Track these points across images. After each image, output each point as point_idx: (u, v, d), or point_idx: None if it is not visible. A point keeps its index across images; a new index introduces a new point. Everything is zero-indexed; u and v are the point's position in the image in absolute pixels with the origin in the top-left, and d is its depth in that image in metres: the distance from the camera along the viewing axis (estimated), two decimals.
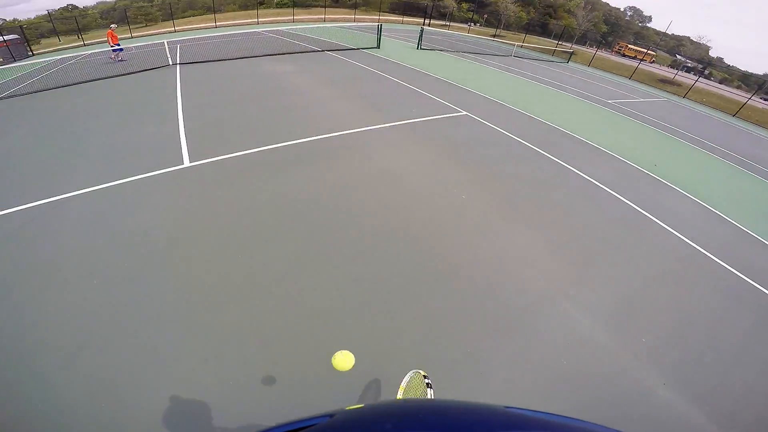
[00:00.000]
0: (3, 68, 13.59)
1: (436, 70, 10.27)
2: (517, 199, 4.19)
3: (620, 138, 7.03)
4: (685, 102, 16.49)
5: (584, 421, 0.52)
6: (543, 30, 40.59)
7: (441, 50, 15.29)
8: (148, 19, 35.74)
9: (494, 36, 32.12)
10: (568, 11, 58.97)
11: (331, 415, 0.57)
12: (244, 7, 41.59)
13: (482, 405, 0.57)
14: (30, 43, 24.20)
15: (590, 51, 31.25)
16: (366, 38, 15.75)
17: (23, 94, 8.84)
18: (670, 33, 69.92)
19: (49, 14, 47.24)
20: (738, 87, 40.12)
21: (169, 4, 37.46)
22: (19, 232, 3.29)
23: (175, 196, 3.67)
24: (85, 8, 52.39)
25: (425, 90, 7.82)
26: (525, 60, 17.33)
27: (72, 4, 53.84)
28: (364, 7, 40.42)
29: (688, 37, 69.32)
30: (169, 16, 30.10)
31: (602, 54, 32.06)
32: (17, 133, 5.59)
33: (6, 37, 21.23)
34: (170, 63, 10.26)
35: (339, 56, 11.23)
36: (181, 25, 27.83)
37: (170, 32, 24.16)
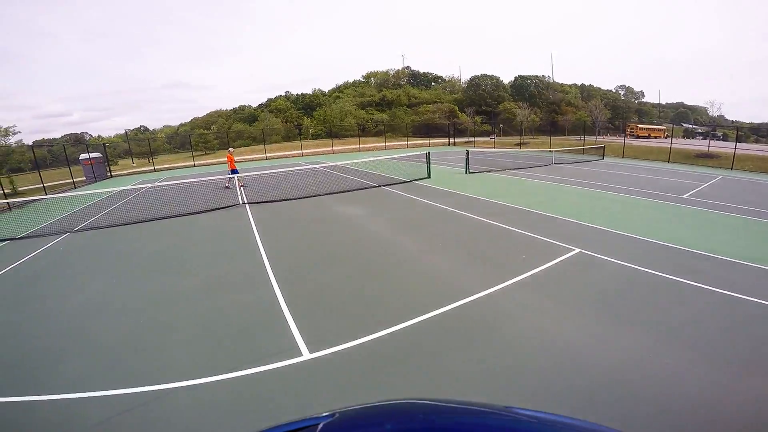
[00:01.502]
0: (85, 193, 14.83)
1: (504, 196, 10.36)
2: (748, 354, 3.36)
3: (745, 243, 6.42)
4: (737, 174, 16.35)
5: (584, 421, 0.51)
6: (554, 128, 43.59)
7: (488, 171, 16.03)
8: (207, 147, 41.01)
9: (520, 145, 34.53)
10: (570, 104, 64.41)
11: (332, 415, 0.58)
12: (287, 137, 47.72)
13: (482, 405, 0.57)
14: (110, 163, 27.47)
15: (611, 141, 32.80)
16: (412, 167, 16.82)
17: (101, 227, 9.21)
18: (664, 102, 75.05)
19: (126, 134, 55.31)
20: (756, 141, 40.49)
21: (225, 132, 43.60)
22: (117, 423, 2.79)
23: (306, 408, 2.90)
24: (155, 131, 61.25)
25: (513, 225, 7.55)
26: (566, 165, 18.00)
27: (144, 125, 63.03)
28: (389, 134, 45.68)
29: (682, 102, 73.84)
30: (225, 145, 34.65)
31: (618, 140, 33.38)
32: (97, 284, 5.36)
33: (91, 155, 24.11)
34: (240, 202, 10.90)
35: (397, 191, 11.70)
36: (235, 154, 31.56)
37: (225, 162, 27.26)
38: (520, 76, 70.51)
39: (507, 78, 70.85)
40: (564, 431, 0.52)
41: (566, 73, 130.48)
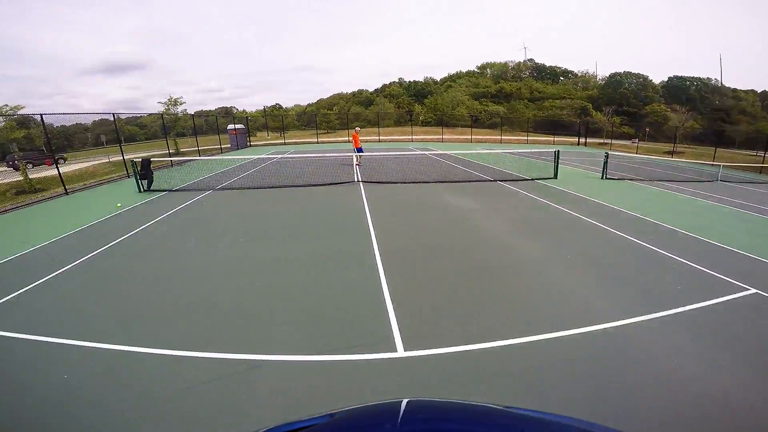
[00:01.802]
0: (229, 157, 17.47)
1: (651, 212, 8.32)
2: None
3: None
4: None
5: (584, 421, 0.51)
6: (719, 139, 33.88)
7: (631, 179, 13.33)
8: (329, 126, 44.60)
9: (671, 153, 28.55)
10: (744, 113, 49.78)
11: (331, 415, 0.58)
12: (398, 122, 48.74)
13: (482, 405, 0.57)
14: (250, 134, 32.25)
15: None
16: (534, 165, 15.15)
17: (237, 188, 10.53)
18: None
19: (264, 110, 64.19)
20: None
21: (346, 114, 46.67)
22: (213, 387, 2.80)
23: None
24: (287, 109, 69.28)
25: (663, 247, 5.99)
26: (736, 185, 13.92)
27: (278, 103, 71.82)
28: (505, 127, 42.33)
29: None
30: (345, 125, 37.11)
31: None
32: (226, 241, 5.96)
33: (236, 126, 28.45)
34: (355, 179, 11.28)
35: (516, 189, 10.53)
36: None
37: (345, 141, 29.12)
38: (677, 77, 58.14)
39: (657, 78, 59.27)
40: (564, 431, 0.50)
41: (740, 77, 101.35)
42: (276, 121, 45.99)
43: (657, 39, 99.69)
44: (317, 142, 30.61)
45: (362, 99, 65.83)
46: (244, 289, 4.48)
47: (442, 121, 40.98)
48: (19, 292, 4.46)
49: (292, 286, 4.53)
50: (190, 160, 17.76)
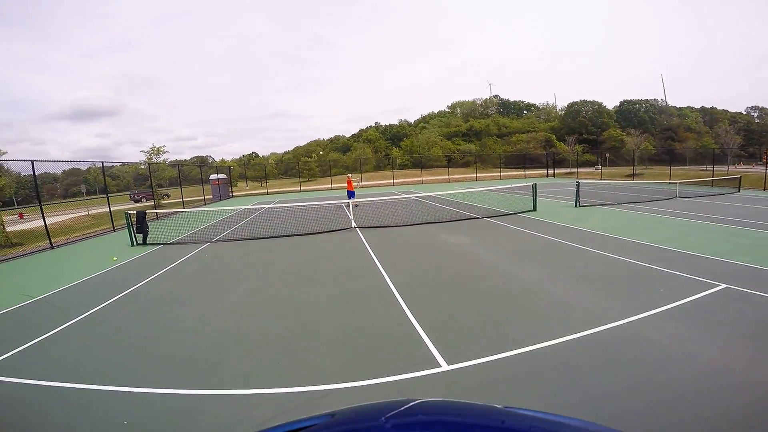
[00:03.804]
0: (217, 209, 17.71)
1: (625, 232, 9.37)
2: None
3: None
4: None
5: (584, 421, 0.51)
6: (672, 157, 37.29)
7: (601, 204, 14.62)
8: (310, 174, 45.59)
9: (632, 176, 31.07)
10: (690, 130, 55.09)
11: (331, 415, 0.58)
12: (377, 167, 50.43)
13: (482, 405, 0.57)
14: (231, 184, 32.19)
15: (747, 171, 28.16)
16: (513, 200, 16.34)
17: (236, 240, 10.73)
18: None
19: (243, 159, 63.99)
20: None
21: (328, 161, 48.09)
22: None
23: None
24: (264, 157, 69.81)
25: (642, 260, 6.90)
26: (694, 199, 15.64)
27: (255, 152, 72.53)
28: (479, 165, 44.81)
29: None
30: (325, 172, 38.21)
31: (756, 170, 28.33)
32: (243, 288, 6.00)
33: (219, 176, 28.07)
34: (352, 226, 11.84)
35: (503, 223, 11.41)
36: (335, 182, 34.65)
37: (328, 189, 29.99)
38: (626, 101, 64.23)
39: (610, 103, 65.07)
40: (564, 431, 0.51)
41: (682, 96, 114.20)
42: (256, 170, 46.70)
43: (606, 65, 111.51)
44: (300, 191, 31.27)
45: (339, 145, 67.88)
46: (279, 327, 4.74)
47: (420, 163, 42.91)
48: (38, 339, 4.64)
49: (323, 323, 4.84)
50: (176, 212, 17.81)
